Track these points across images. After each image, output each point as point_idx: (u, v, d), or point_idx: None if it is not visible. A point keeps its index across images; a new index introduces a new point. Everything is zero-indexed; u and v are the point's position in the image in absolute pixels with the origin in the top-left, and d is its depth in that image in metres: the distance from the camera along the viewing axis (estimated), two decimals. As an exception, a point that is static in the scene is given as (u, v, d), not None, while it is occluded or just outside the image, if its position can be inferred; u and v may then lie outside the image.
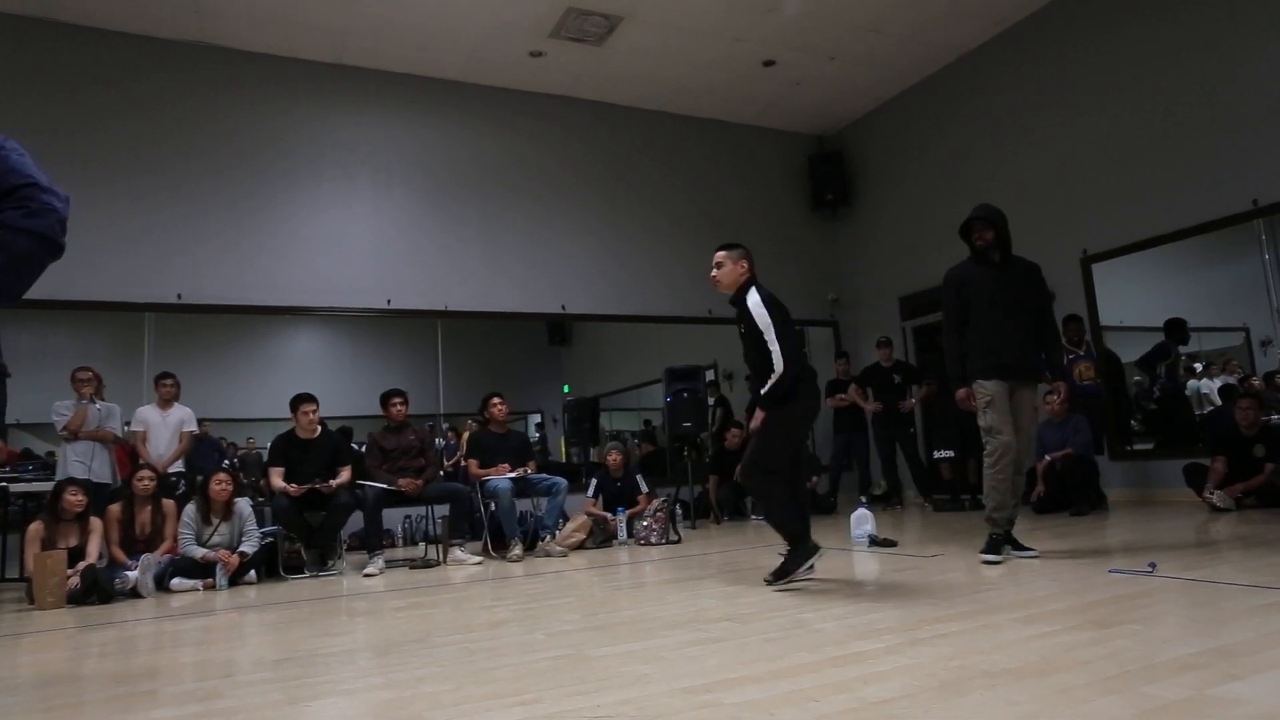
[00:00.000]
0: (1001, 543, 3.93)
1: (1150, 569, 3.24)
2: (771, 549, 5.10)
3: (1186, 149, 6.37)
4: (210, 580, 4.85)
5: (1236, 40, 6.06)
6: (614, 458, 6.51)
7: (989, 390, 4.05)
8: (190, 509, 5.08)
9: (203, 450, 6.74)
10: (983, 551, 3.90)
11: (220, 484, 5.11)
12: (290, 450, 5.57)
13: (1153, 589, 2.89)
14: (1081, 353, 6.67)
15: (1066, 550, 4.07)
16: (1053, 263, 7.09)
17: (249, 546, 5.07)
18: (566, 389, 8.87)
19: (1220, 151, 6.15)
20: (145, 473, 5.20)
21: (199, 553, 4.91)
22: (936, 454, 7.24)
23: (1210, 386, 6.47)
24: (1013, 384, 4.07)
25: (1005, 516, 3.98)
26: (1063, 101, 7.27)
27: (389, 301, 7.59)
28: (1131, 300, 6.98)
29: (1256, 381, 6.07)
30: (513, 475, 5.87)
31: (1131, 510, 6.01)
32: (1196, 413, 6.57)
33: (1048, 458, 6.35)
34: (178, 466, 6.00)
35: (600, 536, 6.10)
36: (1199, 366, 6.58)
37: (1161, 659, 1.97)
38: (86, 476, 5.39)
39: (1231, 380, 6.30)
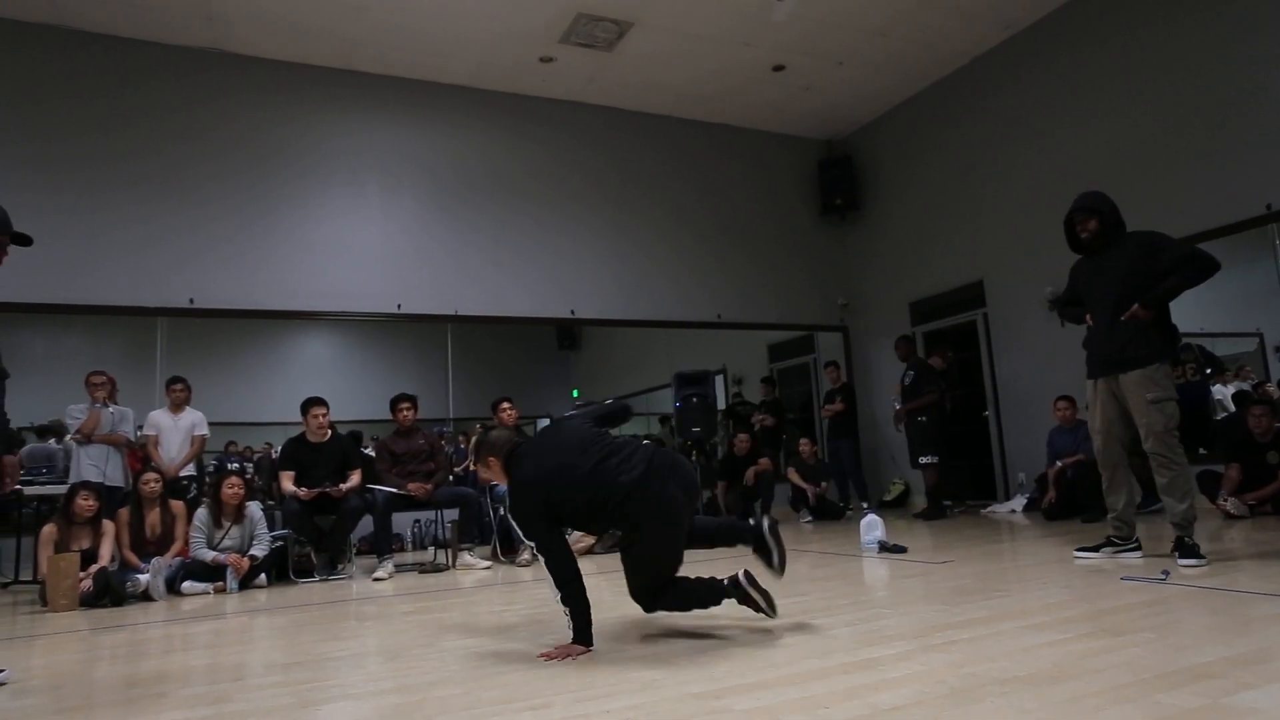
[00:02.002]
0: (1106, 543, 3.89)
1: (1163, 576, 3.22)
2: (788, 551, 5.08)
3: (1199, 154, 6.33)
4: (221, 584, 4.86)
5: (1249, 44, 6.02)
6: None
7: (1088, 394, 3.98)
8: (202, 512, 5.10)
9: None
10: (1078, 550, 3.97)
11: (232, 488, 5.13)
12: (300, 454, 5.59)
13: (1166, 597, 2.86)
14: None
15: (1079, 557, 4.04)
16: (1064, 267, 7.07)
17: (259, 550, 5.08)
18: (576, 393, 8.88)
19: (1233, 156, 6.11)
20: (150, 475, 5.22)
21: (209, 556, 4.93)
22: (922, 459, 7.17)
23: (1224, 392, 6.42)
24: (1108, 379, 3.82)
25: (1117, 518, 3.89)
26: (1073, 106, 7.24)
27: (399, 306, 7.61)
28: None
29: (1271, 388, 6.02)
30: (521, 480, 5.86)
31: (1144, 517, 5.96)
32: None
33: (1059, 463, 6.31)
34: (189, 470, 6.04)
35: (609, 541, 6.09)
36: (1210, 371, 6.54)
37: (1175, 667, 1.95)
38: (100, 480, 5.42)
39: (1245, 386, 6.25)
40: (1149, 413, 3.68)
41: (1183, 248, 3.80)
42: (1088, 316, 3.95)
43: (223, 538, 5.08)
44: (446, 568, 5.53)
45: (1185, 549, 3.56)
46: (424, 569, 5.51)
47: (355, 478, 5.56)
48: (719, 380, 9.13)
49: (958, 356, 8.40)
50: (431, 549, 6.50)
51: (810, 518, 7.74)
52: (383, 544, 5.42)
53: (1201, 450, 6.40)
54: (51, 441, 6.40)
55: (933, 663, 2.14)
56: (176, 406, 6.03)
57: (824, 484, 7.93)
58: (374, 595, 4.46)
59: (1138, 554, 3.84)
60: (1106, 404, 3.83)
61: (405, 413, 5.83)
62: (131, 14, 6.71)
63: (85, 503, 4.86)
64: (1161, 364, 3.73)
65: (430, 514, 6.47)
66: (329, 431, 5.68)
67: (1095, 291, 3.88)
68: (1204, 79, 6.30)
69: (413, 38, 7.29)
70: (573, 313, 8.34)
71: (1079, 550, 3.98)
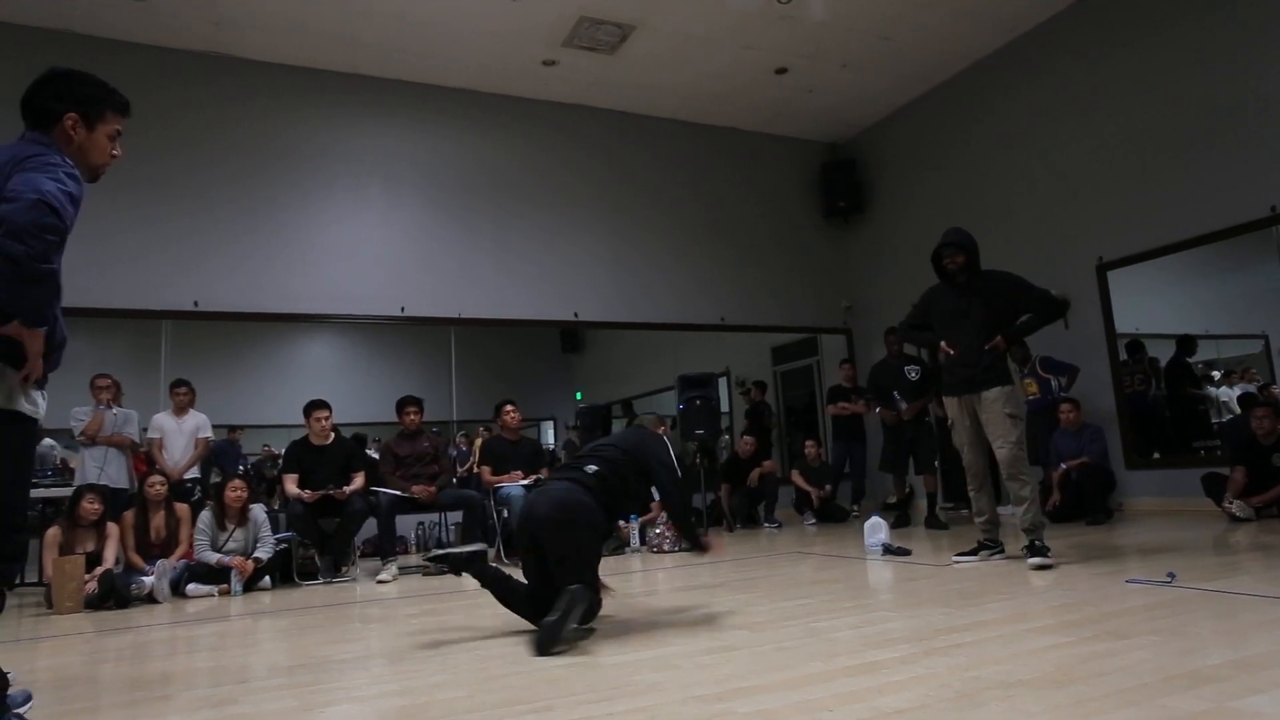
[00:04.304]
0: (980, 547, 4.30)
1: (1169, 579, 3.21)
2: (784, 556, 5.09)
3: (1203, 156, 6.32)
4: (225, 586, 4.88)
5: (1253, 46, 6.01)
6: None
7: (947, 412, 4.41)
8: (206, 515, 5.11)
9: (229, 455, 6.88)
10: (956, 554, 4.38)
11: (235, 490, 5.14)
12: (304, 457, 5.60)
13: (1171, 600, 2.85)
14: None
15: (1083, 560, 4.03)
16: (1068, 270, 7.08)
17: (263, 553, 5.10)
18: (579, 396, 8.89)
19: (1237, 158, 6.10)
20: (155, 478, 5.25)
21: (214, 558, 4.94)
22: (935, 463, 7.05)
23: (1229, 395, 6.41)
24: (969, 398, 4.23)
25: (987, 522, 4.32)
26: (1077, 108, 7.23)
27: (402, 309, 7.63)
28: (1147, 308, 6.93)
29: (1276, 390, 6.00)
30: (525, 482, 5.88)
31: (1149, 520, 5.95)
32: (1216, 420, 6.52)
33: (1063, 466, 6.30)
34: (193, 472, 6.05)
35: (613, 544, 6.09)
36: (1217, 374, 6.53)
37: (1180, 671, 1.94)
38: (102, 482, 5.44)
39: (1250, 389, 6.24)
40: (1006, 426, 4.10)
41: (1041, 292, 4.29)
42: (944, 344, 4.30)
43: (227, 540, 5.09)
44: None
45: (1036, 550, 3.93)
46: (428, 571, 5.52)
47: (358, 480, 5.57)
48: (722, 383, 9.12)
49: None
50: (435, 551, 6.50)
51: (814, 520, 7.73)
52: (386, 546, 5.43)
53: (1203, 451, 6.40)
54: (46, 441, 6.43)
55: (936, 666, 2.13)
56: (180, 409, 6.04)
57: (828, 486, 7.91)
58: (378, 598, 4.47)
59: (1002, 555, 4.28)
60: (967, 420, 4.26)
61: (412, 416, 5.84)
62: (138, 19, 6.73)
63: (90, 506, 4.88)
64: (1014, 386, 4.23)
65: (434, 516, 6.47)
66: (332, 434, 5.69)
67: (958, 318, 4.27)
68: (1208, 81, 6.29)
69: (416, 41, 7.31)
70: (576, 315, 8.35)
71: (956, 556, 4.34)
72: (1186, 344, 6.61)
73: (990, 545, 4.29)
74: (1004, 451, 4.09)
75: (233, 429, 7.25)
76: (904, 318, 4.81)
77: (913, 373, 7.07)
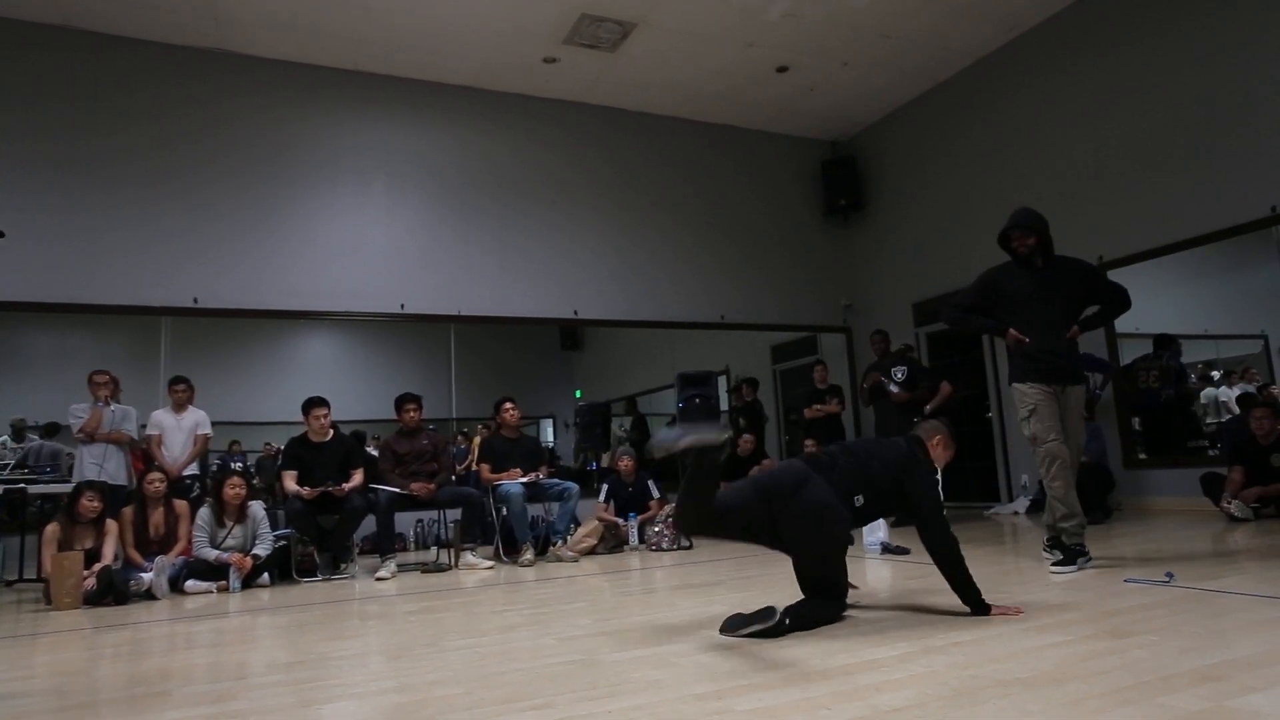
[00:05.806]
0: (1075, 554, 3.72)
1: (1167, 579, 3.21)
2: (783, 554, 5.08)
3: (1204, 155, 6.32)
4: (224, 582, 4.88)
5: (1255, 46, 6.01)
6: (625, 463, 6.51)
7: (1030, 398, 3.89)
8: (204, 512, 5.11)
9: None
10: (1054, 564, 3.73)
11: (234, 488, 5.14)
12: (302, 453, 5.60)
13: (1169, 599, 2.86)
14: None
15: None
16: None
17: (262, 549, 5.09)
18: (579, 394, 8.89)
19: (1238, 158, 6.10)
20: (155, 475, 5.25)
21: (212, 555, 4.94)
22: None
23: (1228, 394, 6.41)
24: (1056, 387, 3.91)
25: (1077, 524, 3.77)
26: (1078, 107, 7.23)
27: (402, 306, 7.62)
28: (1147, 307, 6.92)
29: (1275, 390, 6.01)
30: (525, 480, 5.88)
31: (1148, 519, 5.95)
32: (1214, 421, 6.52)
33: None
34: (192, 469, 6.05)
35: (612, 542, 6.09)
36: (1217, 374, 6.53)
37: (1178, 670, 1.95)
38: (101, 478, 5.44)
39: (1250, 389, 6.24)
40: (1080, 427, 4.01)
41: (1114, 283, 4.15)
42: (1013, 331, 3.95)
43: (226, 537, 5.09)
44: (449, 567, 5.54)
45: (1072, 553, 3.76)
46: (426, 569, 5.52)
47: (357, 477, 5.57)
48: (722, 381, 9.13)
49: (964, 359, 8.38)
50: (434, 549, 6.51)
51: (813, 519, 7.72)
52: (385, 544, 5.43)
53: (1212, 451, 6.39)
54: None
55: (934, 664, 2.14)
56: (179, 406, 6.04)
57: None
58: (376, 595, 4.47)
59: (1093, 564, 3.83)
60: (1055, 410, 3.90)
61: (411, 413, 5.84)
62: (139, 14, 6.72)
63: (89, 503, 4.87)
64: None
65: (433, 514, 6.47)
66: (331, 431, 5.69)
67: (1043, 304, 3.95)
68: (1209, 81, 6.29)
69: (418, 38, 7.30)
70: (576, 313, 8.35)
71: (1053, 567, 3.73)
72: (1166, 343, 6.59)
73: (1082, 551, 3.75)
74: (1072, 454, 3.91)
75: None
76: (958, 298, 4.21)
77: (899, 374, 7.04)
